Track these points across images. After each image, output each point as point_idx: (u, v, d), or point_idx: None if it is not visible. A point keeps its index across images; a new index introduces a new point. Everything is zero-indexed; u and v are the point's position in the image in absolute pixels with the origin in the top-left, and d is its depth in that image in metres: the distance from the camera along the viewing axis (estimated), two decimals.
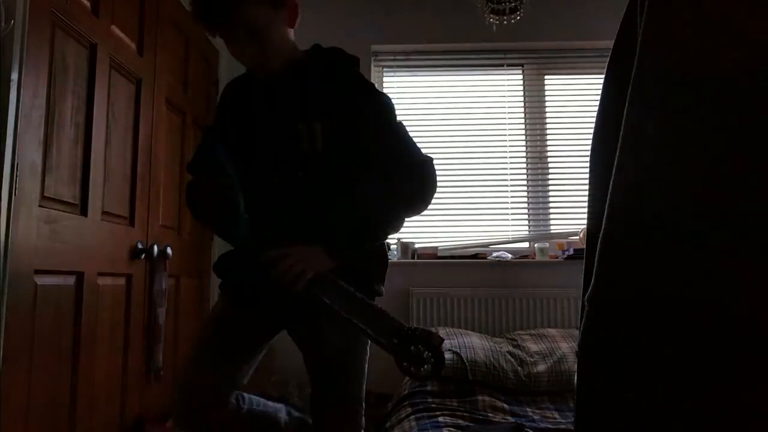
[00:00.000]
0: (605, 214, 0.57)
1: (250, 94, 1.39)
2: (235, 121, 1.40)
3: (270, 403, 1.43)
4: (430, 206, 1.33)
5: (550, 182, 3.22)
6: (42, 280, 1.54)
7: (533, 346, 2.54)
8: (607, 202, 0.57)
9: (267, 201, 1.32)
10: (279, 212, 1.32)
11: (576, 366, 0.63)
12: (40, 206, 1.54)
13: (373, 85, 1.40)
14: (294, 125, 1.28)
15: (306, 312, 1.30)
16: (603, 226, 0.58)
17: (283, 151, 1.31)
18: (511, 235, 3.18)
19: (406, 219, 1.32)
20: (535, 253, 3.04)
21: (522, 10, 2.49)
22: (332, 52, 1.40)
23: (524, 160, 3.24)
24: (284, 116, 1.31)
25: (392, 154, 1.30)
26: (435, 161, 1.33)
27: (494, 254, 3.03)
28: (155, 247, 2.18)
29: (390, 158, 1.30)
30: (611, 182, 0.57)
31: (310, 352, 1.38)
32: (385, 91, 3.28)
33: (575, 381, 0.62)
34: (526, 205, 3.23)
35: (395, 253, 3.01)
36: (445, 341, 2.54)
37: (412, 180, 1.30)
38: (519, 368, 2.40)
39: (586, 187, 0.70)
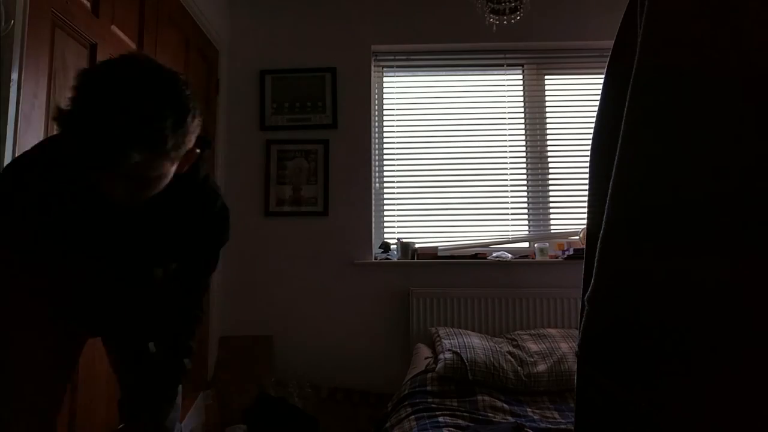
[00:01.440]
0: (605, 214, 0.57)
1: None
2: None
3: None
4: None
5: (550, 182, 3.22)
6: None
7: (533, 346, 2.55)
8: (607, 202, 0.57)
9: None
10: None
11: (576, 366, 0.63)
12: None
13: None
14: None
15: None
16: (603, 227, 0.57)
17: None
18: (511, 235, 3.18)
19: None
20: (535, 253, 3.05)
21: (522, 10, 2.49)
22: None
23: (524, 160, 3.24)
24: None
25: None
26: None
27: (494, 254, 3.03)
28: None
29: None
30: (611, 182, 0.57)
31: None
32: (385, 91, 3.31)
33: (575, 381, 0.62)
34: (526, 205, 3.23)
35: (395, 253, 3.01)
36: (445, 341, 2.54)
37: None
38: (519, 368, 2.40)
39: (586, 187, 0.70)
